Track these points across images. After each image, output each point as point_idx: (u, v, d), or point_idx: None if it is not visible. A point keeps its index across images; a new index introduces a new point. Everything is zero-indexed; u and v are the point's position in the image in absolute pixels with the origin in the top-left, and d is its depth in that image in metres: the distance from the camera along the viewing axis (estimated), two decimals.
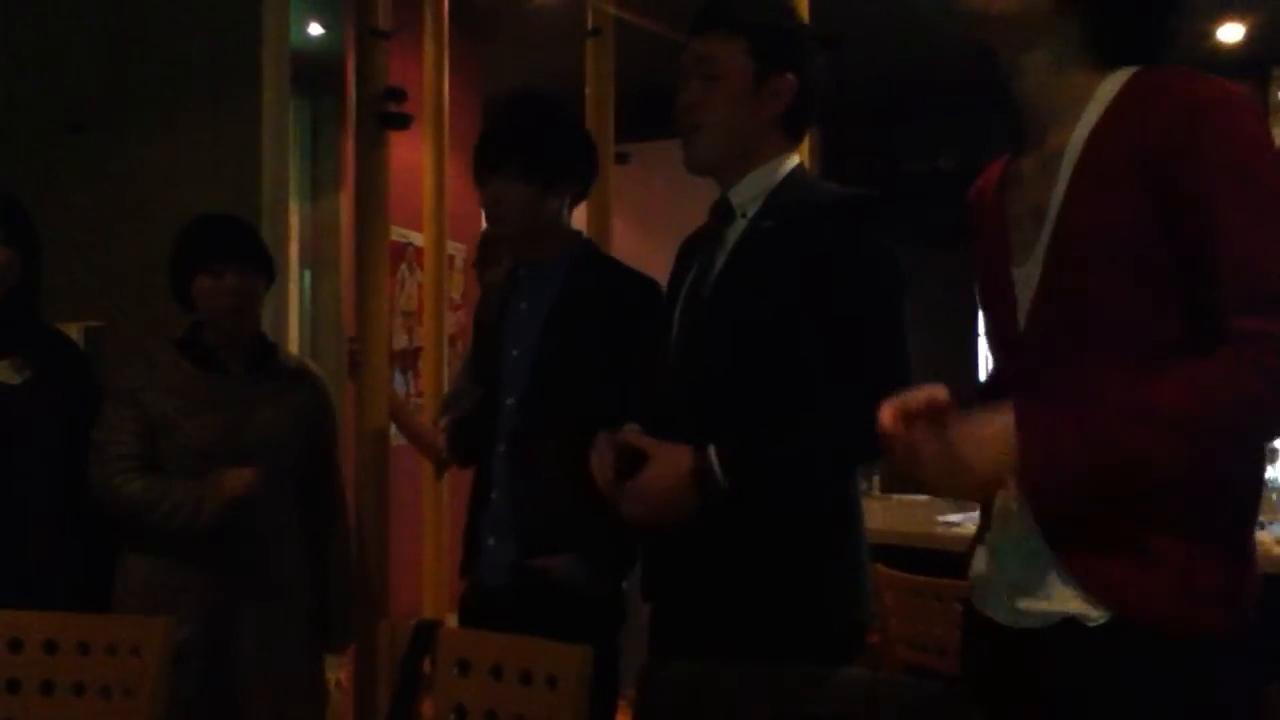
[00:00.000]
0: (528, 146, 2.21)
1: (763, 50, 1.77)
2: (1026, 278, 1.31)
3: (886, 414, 1.24)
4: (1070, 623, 1.25)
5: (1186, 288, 1.21)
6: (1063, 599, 1.26)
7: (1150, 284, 1.22)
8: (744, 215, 1.80)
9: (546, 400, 2.16)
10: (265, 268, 2.50)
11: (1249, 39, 4.90)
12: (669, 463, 1.65)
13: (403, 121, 2.82)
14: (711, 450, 1.64)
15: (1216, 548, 1.23)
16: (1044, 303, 1.29)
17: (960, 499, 1.29)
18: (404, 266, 4.66)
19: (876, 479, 4.66)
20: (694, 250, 1.89)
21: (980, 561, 1.39)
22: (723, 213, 1.82)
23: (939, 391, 1.23)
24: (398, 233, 4.22)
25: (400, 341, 4.60)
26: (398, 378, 4.45)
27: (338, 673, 3.30)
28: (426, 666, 1.87)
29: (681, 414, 1.77)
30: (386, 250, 2.93)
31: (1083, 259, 1.25)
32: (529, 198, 2.20)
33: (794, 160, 1.83)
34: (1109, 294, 1.23)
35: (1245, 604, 1.24)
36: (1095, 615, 1.23)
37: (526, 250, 2.31)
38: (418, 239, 4.15)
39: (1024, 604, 1.29)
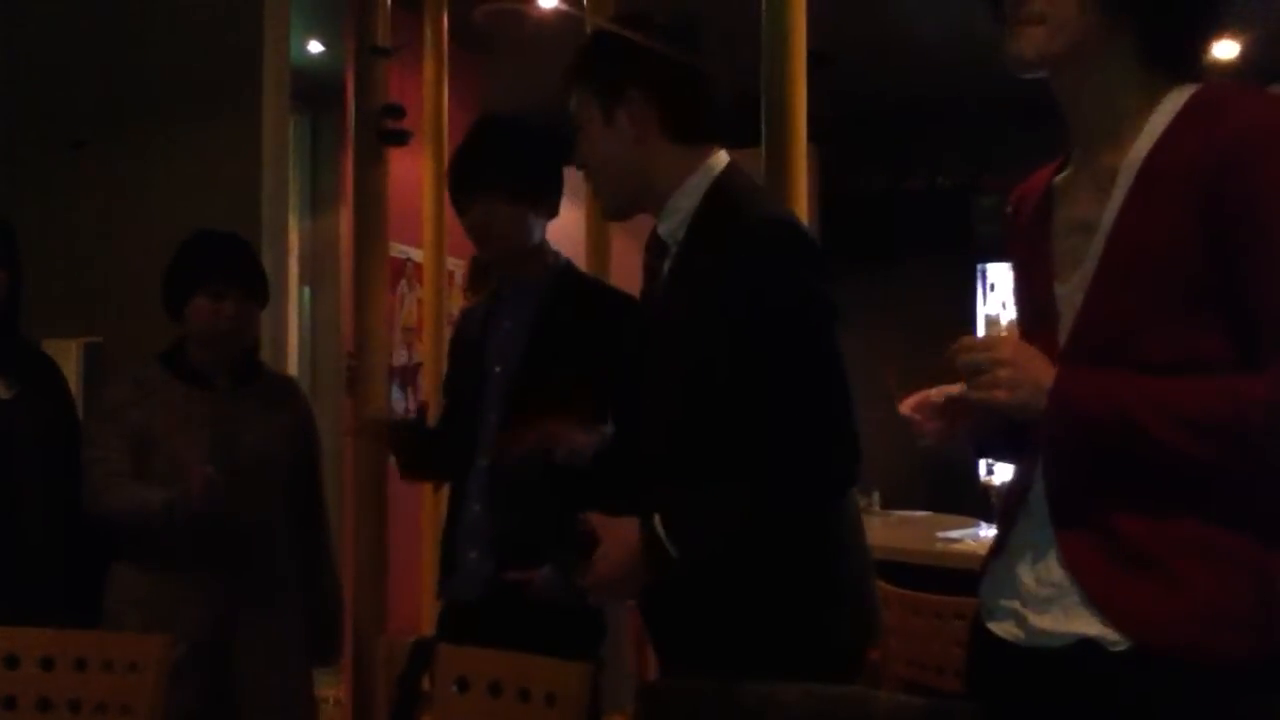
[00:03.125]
0: (515, 168, 2.21)
1: (595, 84, 1.72)
2: (1071, 294, 1.30)
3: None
4: (1088, 644, 1.23)
5: (1233, 309, 1.20)
6: (1082, 620, 1.24)
7: (1198, 304, 1.20)
8: (675, 243, 1.72)
9: (526, 418, 2.17)
10: (264, 290, 2.50)
11: (1244, 57, 4.91)
12: (618, 539, 1.64)
13: (401, 138, 2.83)
14: (657, 520, 1.61)
15: (1246, 572, 1.20)
16: (1090, 320, 1.27)
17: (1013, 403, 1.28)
18: (404, 282, 4.66)
19: (877, 495, 4.65)
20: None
21: (993, 578, 1.38)
22: (655, 248, 1.75)
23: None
24: (397, 249, 4.23)
25: (400, 357, 4.60)
26: (397, 393, 4.45)
27: (336, 690, 3.29)
28: (425, 684, 1.86)
29: (633, 445, 1.76)
30: (386, 266, 2.94)
31: (1133, 277, 1.24)
32: (518, 219, 2.22)
33: (715, 168, 1.71)
34: (1157, 313, 1.22)
35: (1275, 632, 1.19)
36: (1115, 639, 1.21)
37: (513, 270, 2.32)
38: (417, 255, 4.16)
39: (1040, 623, 1.28)
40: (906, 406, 1.40)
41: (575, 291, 2.27)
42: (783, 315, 1.60)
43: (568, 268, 2.34)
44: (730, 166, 1.73)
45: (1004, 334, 1.31)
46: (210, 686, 2.32)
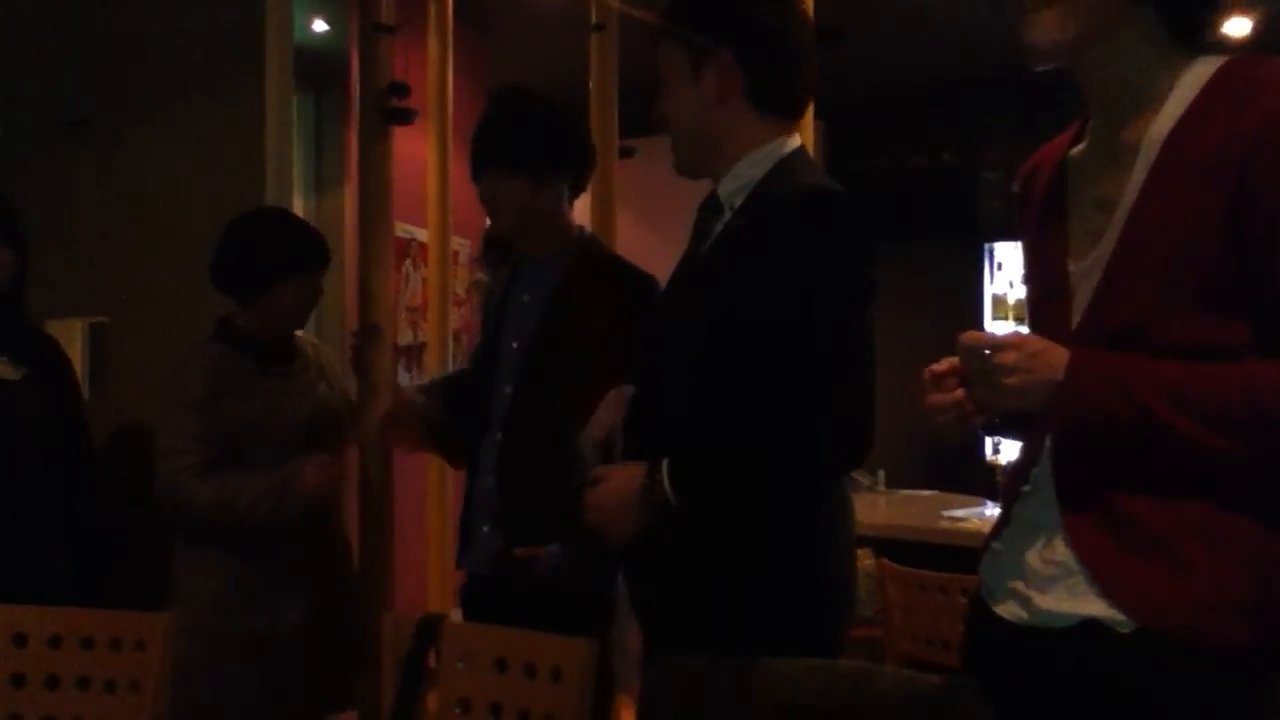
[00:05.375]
0: (515, 141, 2.24)
1: (690, 39, 1.73)
2: (1086, 272, 1.27)
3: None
4: (1092, 625, 1.22)
5: (1254, 294, 1.17)
6: (1087, 601, 1.23)
7: (1218, 289, 1.18)
8: (731, 208, 1.74)
9: (540, 390, 2.17)
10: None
11: (1256, 33, 4.87)
12: (620, 478, 1.69)
13: (406, 116, 2.81)
14: (664, 465, 1.64)
15: (1252, 558, 1.18)
16: (1105, 300, 1.25)
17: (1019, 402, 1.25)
18: (408, 262, 4.65)
19: (881, 474, 4.65)
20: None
21: (995, 558, 1.37)
22: (710, 206, 1.78)
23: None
24: (402, 228, 4.22)
25: (405, 337, 4.60)
26: (402, 374, 4.45)
27: None
28: (431, 660, 1.86)
29: (653, 407, 1.76)
30: (390, 246, 2.93)
31: (1152, 258, 1.21)
32: (521, 192, 2.24)
33: (787, 146, 1.74)
34: (1176, 296, 1.19)
35: (1278, 621, 1.18)
36: (1120, 621, 1.20)
37: (526, 243, 2.33)
38: (422, 234, 4.14)
39: (1043, 603, 1.27)
40: (930, 373, 1.31)
41: (592, 266, 2.27)
42: (809, 288, 1.61)
43: (588, 242, 2.34)
44: (800, 149, 1.76)
45: (1009, 334, 1.25)
46: (268, 655, 2.37)
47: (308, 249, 2.48)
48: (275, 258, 2.43)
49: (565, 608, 2.02)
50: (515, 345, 2.26)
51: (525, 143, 2.24)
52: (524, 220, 2.27)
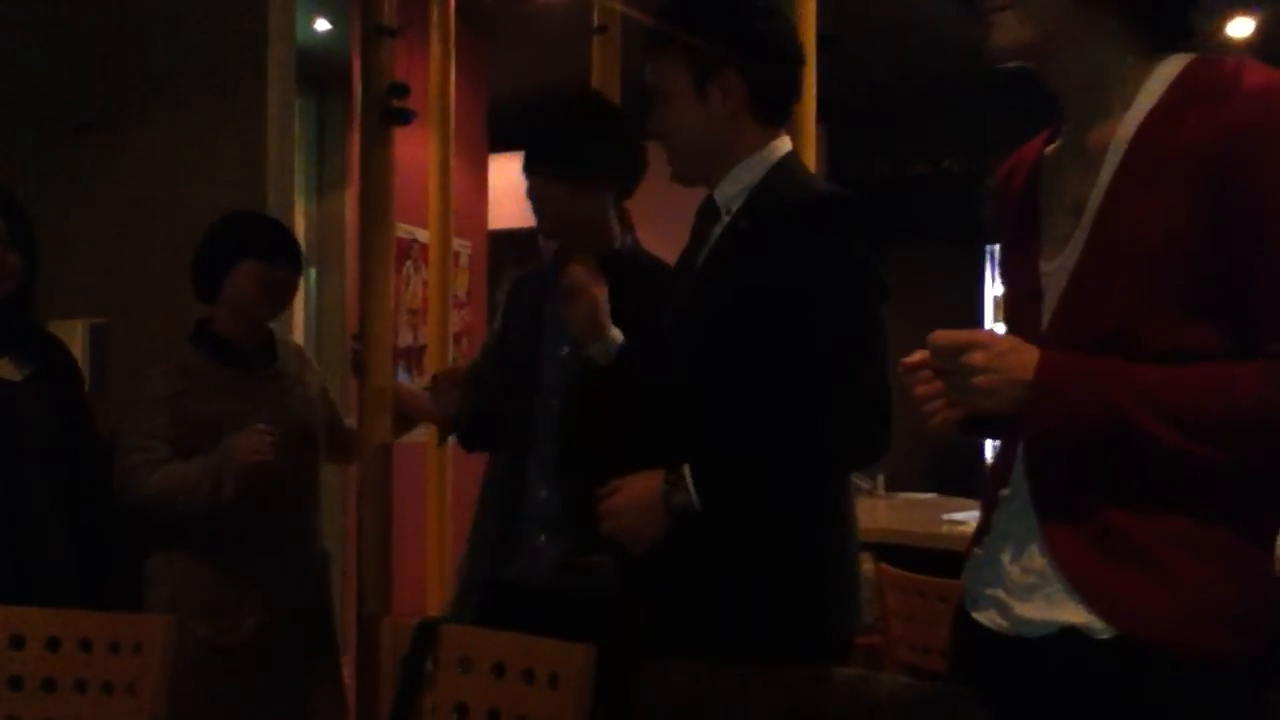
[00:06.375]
0: (561, 145, 2.21)
1: (695, 58, 1.75)
2: (1056, 273, 1.27)
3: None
4: (1072, 633, 1.21)
5: (1231, 297, 1.16)
6: (1066, 609, 1.22)
7: (1192, 290, 1.17)
8: (728, 212, 1.77)
9: (588, 406, 2.13)
10: (300, 264, 2.56)
11: (1260, 34, 4.86)
12: (637, 485, 1.70)
13: (405, 117, 2.81)
14: (686, 470, 1.65)
15: (1234, 568, 1.18)
16: (1073, 301, 1.24)
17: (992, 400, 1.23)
18: (409, 263, 4.65)
19: (881, 478, 4.64)
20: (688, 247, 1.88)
21: (976, 565, 1.36)
22: (708, 212, 1.81)
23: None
24: (403, 229, 4.22)
25: (405, 339, 4.60)
26: (402, 375, 4.45)
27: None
28: (429, 665, 1.86)
29: (663, 408, 1.77)
30: (391, 247, 2.92)
31: (1121, 258, 1.20)
32: (564, 196, 2.21)
33: (780, 150, 1.79)
34: (1145, 297, 1.18)
35: (1260, 630, 1.18)
36: (1099, 628, 1.20)
37: (566, 246, 2.29)
38: (423, 235, 4.15)
39: (1023, 611, 1.26)
40: (904, 364, 1.31)
41: (633, 273, 2.20)
42: (836, 284, 1.64)
43: (628, 247, 2.29)
44: (792, 153, 1.80)
45: (980, 333, 1.24)
46: (258, 673, 2.36)
47: (260, 235, 2.46)
48: (225, 243, 2.44)
49: (618, 618, 1.99)
50: (565, 353, 2.19)
51: (574, 149, 2.21)
52: (566, 223, 2.25)
